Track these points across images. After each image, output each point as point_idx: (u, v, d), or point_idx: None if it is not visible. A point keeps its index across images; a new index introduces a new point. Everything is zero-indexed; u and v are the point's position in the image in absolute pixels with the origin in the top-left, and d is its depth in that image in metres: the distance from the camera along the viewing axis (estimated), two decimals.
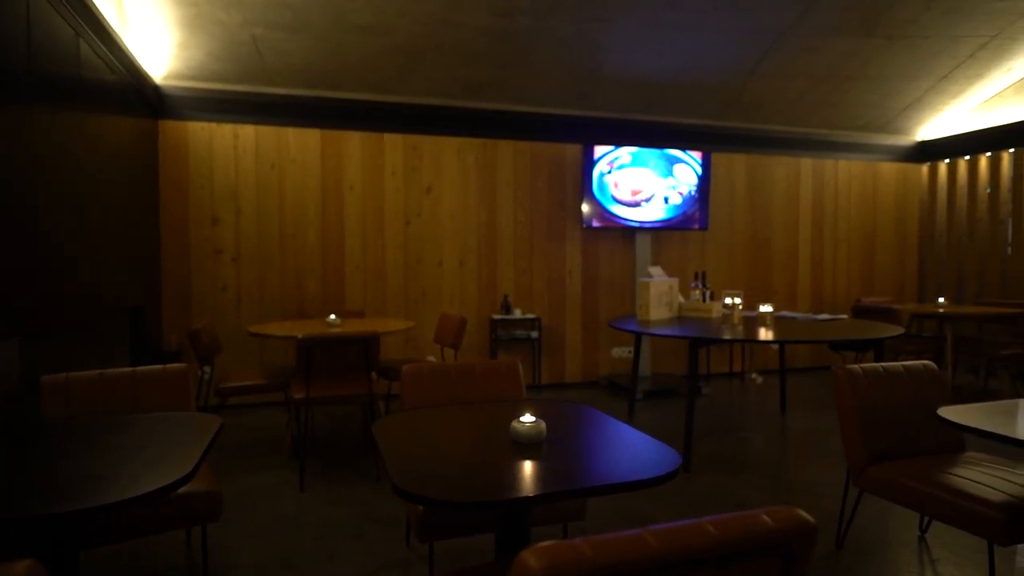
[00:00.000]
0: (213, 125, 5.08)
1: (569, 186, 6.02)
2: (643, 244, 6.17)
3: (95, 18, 3.30)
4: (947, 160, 6.95)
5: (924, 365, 2.65)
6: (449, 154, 5.68)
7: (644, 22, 4.58)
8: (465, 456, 1.68)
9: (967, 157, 6.72)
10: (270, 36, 4.45)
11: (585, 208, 5.84)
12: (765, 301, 5.04)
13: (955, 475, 2.23)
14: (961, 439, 2.56)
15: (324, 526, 2.93)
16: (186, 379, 2.45)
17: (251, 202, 5.19)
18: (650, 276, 4.52)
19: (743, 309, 4.40)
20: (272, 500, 3.24)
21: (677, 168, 6.05)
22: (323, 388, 3.52)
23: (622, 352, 6.23)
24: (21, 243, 2.54)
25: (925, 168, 7.22)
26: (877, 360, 3.70)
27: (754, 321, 4.19)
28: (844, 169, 6.99)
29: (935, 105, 6.41)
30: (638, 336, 4.89)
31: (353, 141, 5.42)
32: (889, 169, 7.16)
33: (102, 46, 3.49)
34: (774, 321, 4.12)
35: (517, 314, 5.79)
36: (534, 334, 5.81)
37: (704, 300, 4.65)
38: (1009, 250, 6.31)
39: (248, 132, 5.16)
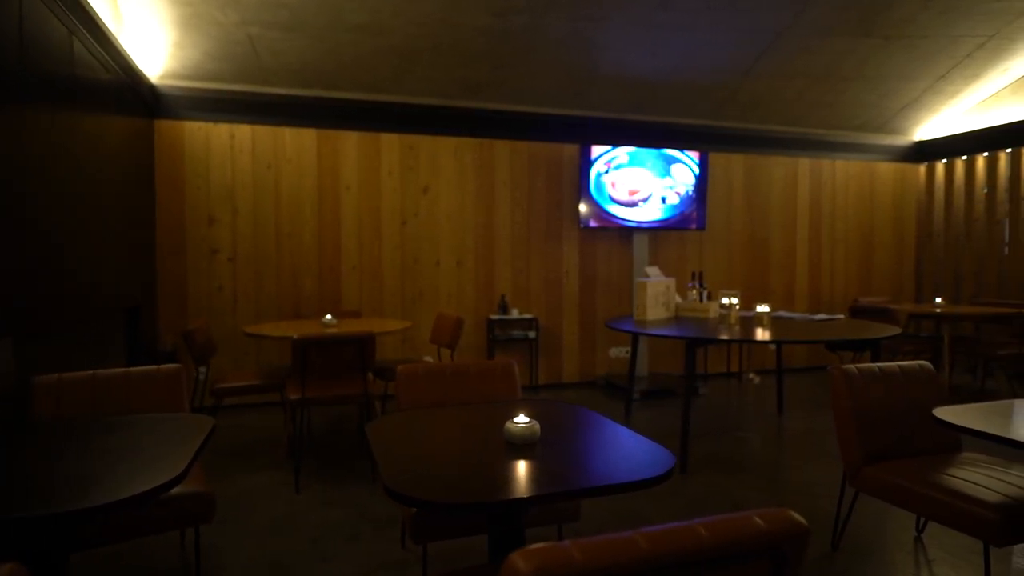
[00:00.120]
0: (209, 125, 5.06)
1: (566, 186, 6.01)
2: (640, 244, 6.17)
3: (89, 17, 3.29)
4: (944, 160, 6.95)
5: (920, 365, 2.65)
6: (446, 154, 5.67)
7: (638, 21, 4.58)
8: (458, 457, 1.67)
9: (964, 157, 6.72)
10: (266, 36, 4.44)
11: (582, 208, 5.83)
12: (763, 301, 5.04)
13: (951, 476, 2.23)
14: (957, 439, 2.55)
15: (319, 527, 2.92)
16: (180, 380, 2.44)
17: (247, 202, 5.17)
18: (647, 276, 4.51)
19: (740, 309, 4.39)
20: (268, 501, 3.23)
21: (674, 168, 6.05)
22: (319, 388, 3.50)
23: (620, 352, 6.22)
24: (16, 243, 2.52)
25: (922, 168, 7.22)
26: (874, 360, 3.69)
27: (751, 321, 4.18)
28: (841, 169, 6.99)
29: (932, 105, 6.41)
30: (635, 336, 4.89)
31: (350, 141, 5.41)
32: (886, 169, 7.17)
33: (96, 45, 3.47)
34: (771, 321, 4.11)
35: (514, 314, 5.79)
36: (531, 334, 5.80)
37: (701, 300, 4.65)
38: (1006, 250, 6.31)
39: (244, 132, 5.15)
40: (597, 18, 4.51)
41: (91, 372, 2.32)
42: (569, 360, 6.12)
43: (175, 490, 2.10)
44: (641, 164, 5.95)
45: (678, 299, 4.70)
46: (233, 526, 2.93)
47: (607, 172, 5.87)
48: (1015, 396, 5.03)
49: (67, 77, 3.11)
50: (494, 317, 5.73)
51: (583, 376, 6.16)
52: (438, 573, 2.44)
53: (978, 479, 2.18)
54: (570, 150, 5.99)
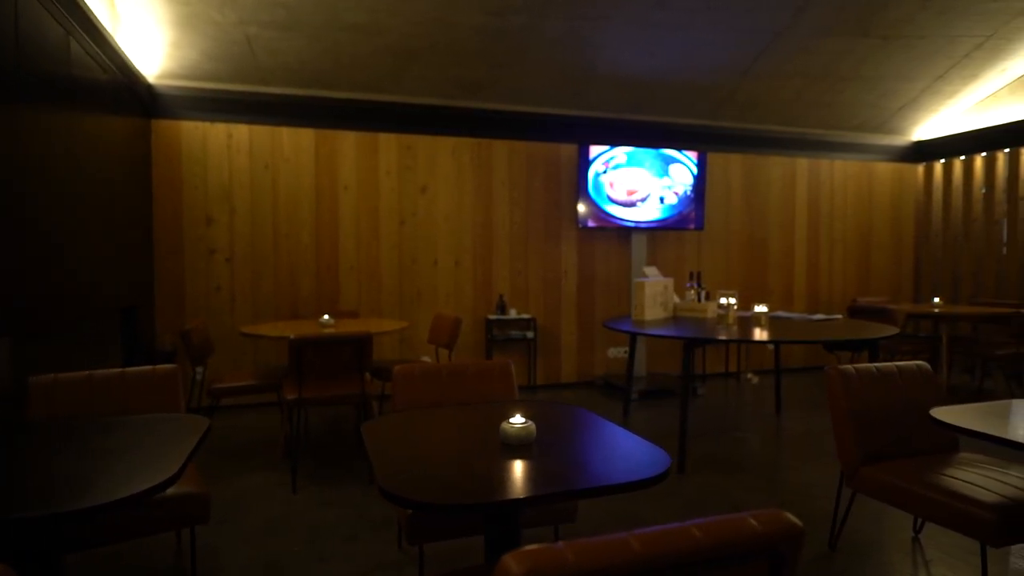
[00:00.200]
0: (207, 125, 5.05)
1: (564, 186, 6.00)
2: (639, 244, 6.16)
3: (86, 17, 3.28)
4: (943, 160, 6.96)
5: (917, 365, 2.65)
6: (444, 154, 5.66)
7: (635, 21, 4.57)
8: (453, 458, 1.66)
9: (962, 157, 6.72)
10: (263, 35, 4.43)
11: (581, 208, 5.83)
12: (761, 301, 5.03)
13: (948, 476, 2.23)
14: (955, 440, 2.55)
15: (316, 528, 2.92)
16: (176, 380, 2.43)
17: (245, 202, 5.17)
18: (645, 276, 4.51)
19: (738, 309, 4.39)
20: (264, 501, 3.23)
21: (673, 168, 6.04)
22: (316, 389, 3.50)
23: (618, 352, 6.22)
24: (13, 243, 2.52)
25: (921, 168, 7.22)
26: (872, 360, 3.69)
27: (749, 321, 4.18)
28: (840, 169, 6.99)
29: (930, 105, 6.41)
30: (633, 336, 4.88)
31: (347, 141, 5.40)
32: (885, 169, 7.17)
33: (93, 45, 3.46)
34: (769, 321, 4.11)
35: (512, 314, 5.78)
36: (529, 334, 5.80)
37: (699, 300, 4.65)
38: (1004, 250, 6.31)
39: (242, 132, 5.14)
40: (594, 17, 4.51)
41: (87, 372, 2.32)
42: (567, 360, 6.12)
43: (170, 491, 2.09)
44: (639, 164, 5.95)
45: (676, 299, 4.70)
46: (230, 526, 2.92)
47: (605, 172, 5.87)
48: (1013, 396, 5.03)
49: (64, 77, 3.10)
50: (492, 317, 5.72)
51: (581, 376, 6.15)
52: (434, 574, 2.44)
53: (975, 479, 2.18)
54: (568, 150, 5.98)
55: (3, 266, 2.43)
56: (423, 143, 5.60)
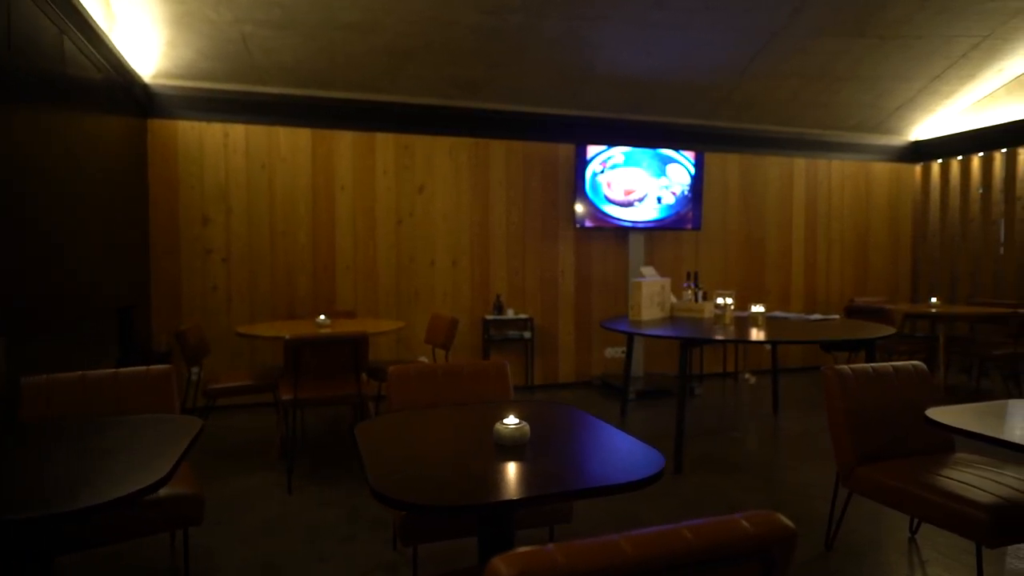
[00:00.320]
0: (203, 124, 5.04)
1: (562, 186, 6.00)
2: (636, 244, 6.16)
3: (80, 16, 3.27)
4: (940, 160, 6.96)
5: (914, 366, 2.64)
6: (441, 153, 5.66)
7: (633, 21, 4.57)
8: (447, 459, 1.65)
9: (960, 157, 6.73)
10: (259, 34, 4.42)
11: (578, 208, 5.82)
12: (758, 301, 5.02)
13: (943, 476, 2.22)
14: (950, 440, 2.55)
15: (311, 528, 2.91)
16: (170, 380, 2.42)
17: (241, 202, 5.15)
18: (642, 276, 4.50)
19: (735, 309, 4.39)
20: (260, 502, 3.22)
21: (670, 168, 6.04)
22: (312, 389, 3.49)
23: (616, 352, 6.22)
24: (9, 243, 2.50)
25: (918, 168, 7.22)
26: (869, 360, 3.69)
27: (746, 321, 4.17)
28: (837, 169, 6.99)
29: (928, 105, 6.42)
30: (630, 336, 4.88)
31: (344, 140, 5.39)
32: (882, 169, 7.17)
33: (87, 44, 3.45)
34: (766, 321, 4.11)
35: (510, 314, 5.77)
36: (527, 334, 5.79)
37: (696, 300, 4.64)
38: (1002, 250, 6.32)
39: (238, 131, 5.13)
40: (592, 17, 4.50)
41: (80, 373, 2.30)
42: (565, 360, 6.11)
43: (164, 492, 2.08)
44: (637, 164, 5.94)
45: (673, 299, 4.70)
46: (226, 527, 2.91)
47: (602, 172, 5.86)
48: (1010, 396, 5.04)
49: (58, 76, 3.09)
50: (489, 317, 5.71)
51: (579, 376, 6.15)
52: (428, 575, 2.43)
53: (971, 480, 2.17)
54: (565, 150, 5.98)
55: (0, 266, 2.42)
56: (420, 143, 5.59)
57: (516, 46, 4.81)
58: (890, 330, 3.87)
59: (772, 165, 6.71)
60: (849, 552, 2.67)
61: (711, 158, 6.40)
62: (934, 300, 6.03)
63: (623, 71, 5.31)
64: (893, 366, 2.60)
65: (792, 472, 3.70)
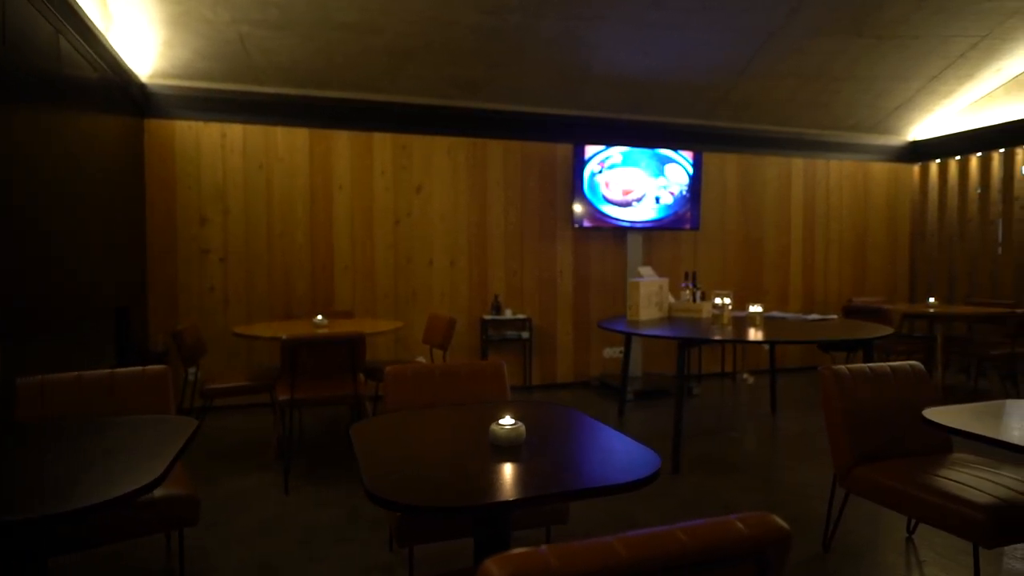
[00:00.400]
0: (200, 124, 5.03)
1: (560, 186, 5.99)
2: (634, 244, 6.16)
3: (76, 15, 3.26)
4: (938, 160, 6.96)
5: (911, 366, 2.64)
6: (439, 153, 5.65)
7: (630, 20, 4.56)
8: (442, 460, 1.65)
9: (958, 157, 6.73)
10: (256, 34, 4.41)
11: (576, 208, 5.82)
12: (757, 301, 5.02)
13: (940, 477, 2.22)
14: (948, 440, 2.54)
15: (308, 529, 2.90)
16: (166, 381, 2.42)
17: (239, 202, 5.14)
18: (640, 276, 4.50)
19: (733, 309, 4.38)
20: (257, 502, 3.21)
21: (668, 168, 6.03)
22: (309, 389, 3.48)
23: (614, 352, 6.21)
24: (5, 243, 2.49)
25: (916, 168, 7.22)
26: (866, 360, 3.69)
27: (744, 321, 4.17)
28: (835, 169, 6.99)
29: (926, 105, 6.42)
30: (628, 336, 4.87)
31: (342, 140, 5.38)
32: (880, 169, 7.17)
33: (84, 43, 3.44)
34: (764, 321, 4.11)
35: (508, 314, 5.77)
36: (525, 334, 5.78)
37: (694, 300, 4.64)
38: (999, 250, 6.32)
39: (236, 131, 5.12)
40: (590, 17, 4.50)
41: (76, 373, 2.30)
42: (563, 360, 6.10)
43: (158, 493, 2.08)
44: (635, 164, 5.94)
45: (671, 299, 4.69)
46: (222, 528, 2.90)
47: (601, 172, 5.86)
48: (1008, 396, 5.04)
49: (54, 75, 3.08)
50: (487, 317, 5.71)
51: (577, 376, 6.14)
52: None
53: (968, 480, 2.17)
54: (563, 150, 5.97)
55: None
56: (418, 143, 5.58)
57: (514, 46, 4.80)
58: (888, 330, 3.87)
59: (770, 165, 6.71)
60: (846, 552, 2.67)
61: (709, 158, 6.40)
62: (932, 300, 6.03)
63: (621, 71, 5.31)
64: (890, 366, 2.60)
65: (790, 472, 3.70)
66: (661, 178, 6.02)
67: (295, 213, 5.28)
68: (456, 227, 5.71)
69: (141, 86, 4.74)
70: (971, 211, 6.60)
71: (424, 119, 5.55)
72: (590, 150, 5.81)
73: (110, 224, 3.96)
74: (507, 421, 1.65)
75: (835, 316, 4.67)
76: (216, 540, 2.79)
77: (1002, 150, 6.27)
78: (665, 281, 4.61)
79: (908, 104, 6.35)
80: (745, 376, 6.47)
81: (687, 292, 4.69)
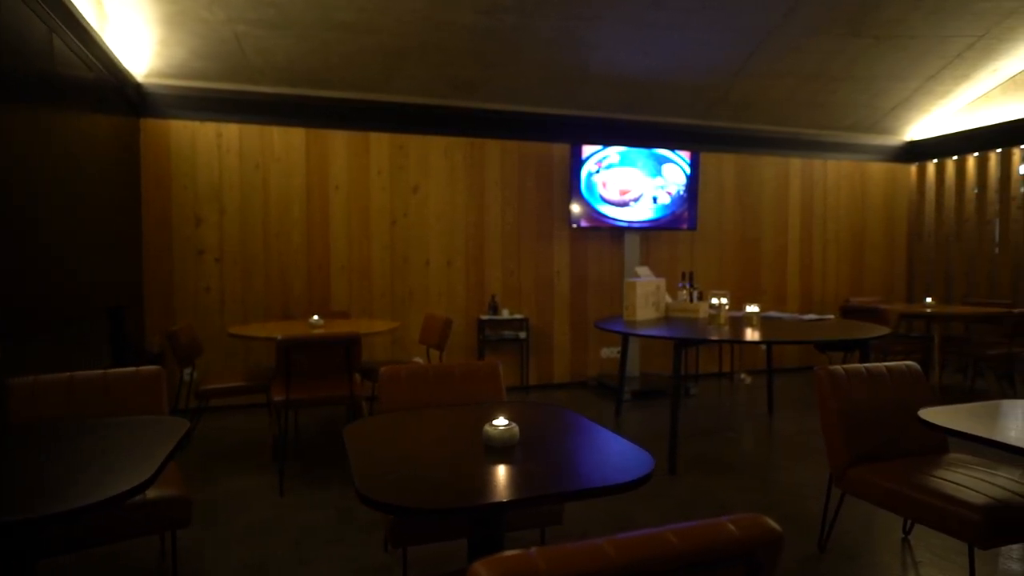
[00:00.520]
0: (196, 124, 5.02)
1: (557, 186, 5.99)
2: (632, 244, 6.15)
3: (70, 14, 3.25)
4: (935, 160, 6.96)
5: (907, 366, 2.63)
6: (436, 153, 5.64)
7: (629, 20, 4.56)
8: (435, 461, 1.64)
9: (955, 157, 6.73)
10: (253, 33, 4.40)
11: (573, 208, 5.81)
12: (754, 301, 5.02)
13: (936, 477, 2.21)
14: (944, 440, 2.54)
15: (302, 530, 2.89)
16: (159, 381, 2.40)
17: (235, 202, 5.13)
18: (637, 276, 4.49)
19: (730, 309, 4.37)
20: (251, 504, 3.20)
21: (666, 168, 6.03)
22: (305, 390, 3.47)
23: (611, 352, 6.20)
24: (4, 244, 2.49)
25: (913, 168, 7.22)
26: (863, 361, 3.68)
27: (741, 321, 4.17)
28: (833, 169, 6.99)
29: (923, 105, 6.42)
30: (625, 337, 4.87)
31: (338, 140, 5.37)
32: (878, 169, 7.17)
33: (78, 43, 3.43)
34: (761, 321, 4.10)
35: (505, 314, 5.76)
36: (522, 335, 5.77)
37: (691, 300, 4.63)
38: (997, 250, 6.32)
39: (232, 131, 5.10)
40: (588, 17, 4.49)
41: (68, 374, 2.28)
42: (560, 360, 6.10)
43: (151, 494, 2.07)
44: (632, 164, 5.93)
45: (668, 299, 4.69)
46: (217, 529, 2.89)
47: (598, 172, 5.85)
48: (1004, 396, 5.04)
49: (48, 75, 3.07)
50: (484, 317, 5.70)
51: (574, 376, 6.13)
52: None
53: (964, 480, 2.16)
54: (561, 150, 5.97)
55: None
56: (415, 142, 5.57)
57: (511, 46, 4.80)
58: (885, 330, 3.87)
59: (768, 165, 6.71)
60: (842, 553, 2.66)
61: (707, 158, 6.40)
62: (929, 300, 6.03)
63: (619, 71, 5.30)
64: (886, 366, 2.59)
65: (787, 472, 3.69)
66: (658, 178, 6.01)
67: (291, 213, 5.27)
68: (453, 227, 5.71)
69: (137, 86, 4.72)
70: (968, 211, 6.60)
71: (421, 119, 5.54)
72: (587, 150, 5.80)
73: (106, 224, 3.95)
74: (500, 422, 1.64)
75: (832, 316, 4.67)
76: (211, 541, 2.78)
77: (999, 150, 6.28)
78: (662, 281, 4.60)
79: (905, 104, 6.35)
80: (742, 376, 6.46)
81: (684, 292, 4.68)
